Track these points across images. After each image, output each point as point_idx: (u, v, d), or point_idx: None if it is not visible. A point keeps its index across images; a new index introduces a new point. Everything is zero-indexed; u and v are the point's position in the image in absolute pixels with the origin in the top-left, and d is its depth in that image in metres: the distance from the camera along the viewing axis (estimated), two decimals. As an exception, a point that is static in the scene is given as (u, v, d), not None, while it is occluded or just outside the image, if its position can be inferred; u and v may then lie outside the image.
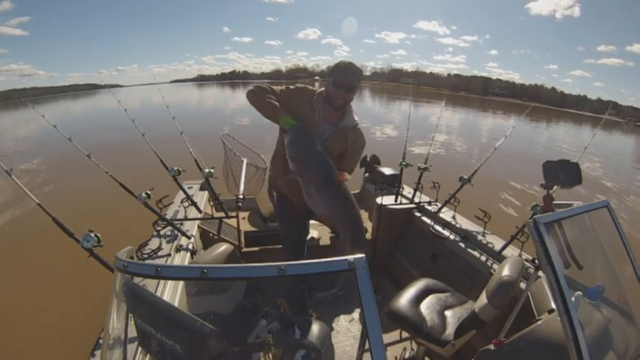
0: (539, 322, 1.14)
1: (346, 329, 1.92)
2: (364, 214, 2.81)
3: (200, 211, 2.30)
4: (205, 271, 0.67)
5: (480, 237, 2.03)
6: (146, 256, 1.66)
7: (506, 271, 1.23)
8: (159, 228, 1.89)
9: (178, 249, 1.80)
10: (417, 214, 2.45)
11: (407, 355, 1.71)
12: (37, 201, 1.47)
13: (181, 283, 1.42)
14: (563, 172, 1.30)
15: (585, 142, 2.19)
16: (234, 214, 2.20)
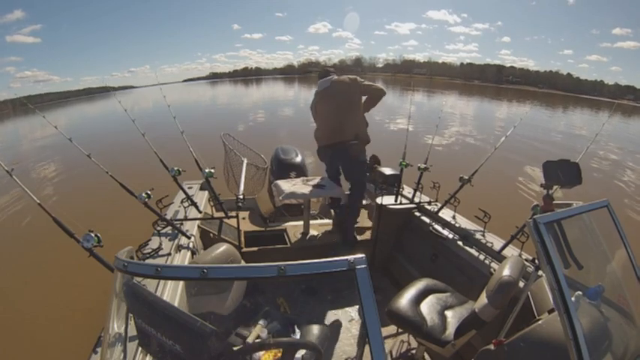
0: (539, 322, 1.13)
1: (346, 329, 1.92)
2: (364, 214, 2.81)
3: (200, 211, 2.30)
4: (205, 271, 0.67)
5: (479, 237, 2.03)
6: (146, 255, 1.66)
7: (506, 271, 1.23)
8: (159, 228, 1.89)
9: (178, 249, 1.80)
10: (417, 214, 2.45)
11: (407, 355, 1.71)
12: (38, 201, 1.47)
13: (181, 283, 1.42)
14: (563, 172, 1.30)
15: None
16: (234, 214, 2.20)
